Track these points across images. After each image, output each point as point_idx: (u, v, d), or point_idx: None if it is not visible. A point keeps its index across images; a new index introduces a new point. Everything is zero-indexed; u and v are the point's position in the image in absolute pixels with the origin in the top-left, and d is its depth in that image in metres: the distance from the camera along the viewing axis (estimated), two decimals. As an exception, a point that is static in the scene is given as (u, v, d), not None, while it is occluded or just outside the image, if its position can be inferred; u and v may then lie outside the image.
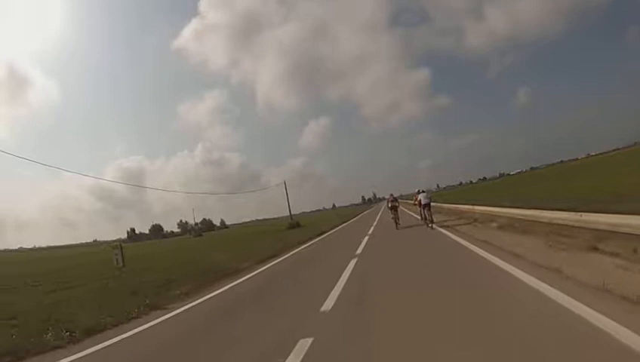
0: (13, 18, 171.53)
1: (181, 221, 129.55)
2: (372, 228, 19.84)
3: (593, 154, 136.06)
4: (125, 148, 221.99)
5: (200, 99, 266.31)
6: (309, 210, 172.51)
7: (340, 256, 10.39)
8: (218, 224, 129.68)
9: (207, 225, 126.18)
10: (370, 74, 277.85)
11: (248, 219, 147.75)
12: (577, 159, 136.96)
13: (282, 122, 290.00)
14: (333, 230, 25.98)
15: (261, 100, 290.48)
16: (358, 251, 11.14)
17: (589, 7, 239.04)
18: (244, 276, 9.99)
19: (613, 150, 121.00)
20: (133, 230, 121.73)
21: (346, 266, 8.37)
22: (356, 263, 8.82)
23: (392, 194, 20.27)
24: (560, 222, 7.90)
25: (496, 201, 16.86)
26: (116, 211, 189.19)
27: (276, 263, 12.10)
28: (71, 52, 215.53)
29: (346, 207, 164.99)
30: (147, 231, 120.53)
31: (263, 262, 12.59)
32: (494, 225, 11.46)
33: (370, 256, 10.11)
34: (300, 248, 16.19)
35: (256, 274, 10.22)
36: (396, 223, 17.24)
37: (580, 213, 7.13)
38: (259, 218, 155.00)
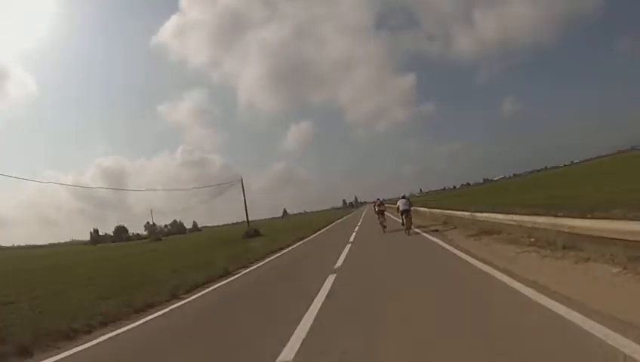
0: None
1: (148, 223, 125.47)
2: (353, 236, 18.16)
3: (576, 161, 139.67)
4: (104, 148, 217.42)
5: (180, 99, 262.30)
6: (291, 213, 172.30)
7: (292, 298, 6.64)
8: (190, 226, 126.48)
9: (177, 228, 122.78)
10: (354, 78, 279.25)
11: (230, 222, 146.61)
12: (559, 167, 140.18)
13: (265, 125, 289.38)
14: (297, 244, 19.61)
15: (243, 102, 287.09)
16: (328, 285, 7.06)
17: (580, 14, 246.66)
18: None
19: (596, 157, 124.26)
20: (96, 231, 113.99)
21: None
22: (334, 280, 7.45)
23: (378, 198, 20.37)
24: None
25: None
26: (97, 211, 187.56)
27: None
28: (48, 47, 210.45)
29: (327, 210, 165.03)
30: (111, 233, 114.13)
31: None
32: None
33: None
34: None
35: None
36: (383, 227, 17.25)
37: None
38: (239, 220, 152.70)
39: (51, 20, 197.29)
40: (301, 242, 20.45)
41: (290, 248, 17.54)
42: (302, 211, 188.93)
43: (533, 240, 7.97)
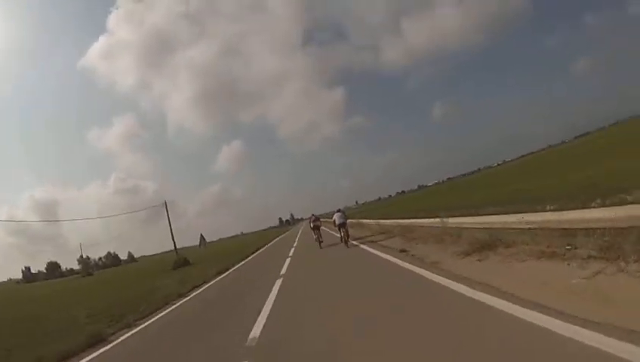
0: None
1: (82, 256, 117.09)
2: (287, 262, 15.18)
3: (509, 160, 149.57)
4: (35, 179, 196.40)
5: (109, 125, 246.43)
6: (226, 236, 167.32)
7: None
8: (125, 257, 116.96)
9: (111, 260, 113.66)
10: (284, 95, 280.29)
11: (168, 249, 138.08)
12: (491, 167, 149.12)
13: (195, 147, 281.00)
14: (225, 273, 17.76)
15: (173, 125, 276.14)
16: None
17: (505, 19, 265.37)
18: None
19: (524, 155, 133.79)
20: (28, 269, 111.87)
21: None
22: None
23: (313, 214, 20.48)
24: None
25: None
26: (31, 246, 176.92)
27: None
28: None
29: (264, 230, 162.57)
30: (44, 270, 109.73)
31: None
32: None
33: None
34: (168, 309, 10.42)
35: None
36: (319, 243, 17.41)
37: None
38: (179, 246, 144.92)
39: None
40: (228, 271, 18.35)
41: (211, 282, 15.15)
42: (239, 233, 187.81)
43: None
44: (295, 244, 26.68)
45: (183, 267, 28.24)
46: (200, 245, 48.10)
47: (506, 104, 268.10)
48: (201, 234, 51.25)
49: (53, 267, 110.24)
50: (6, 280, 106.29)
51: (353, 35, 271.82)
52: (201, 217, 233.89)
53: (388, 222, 18.76)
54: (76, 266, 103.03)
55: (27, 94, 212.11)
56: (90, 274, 64.31)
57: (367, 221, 23.81)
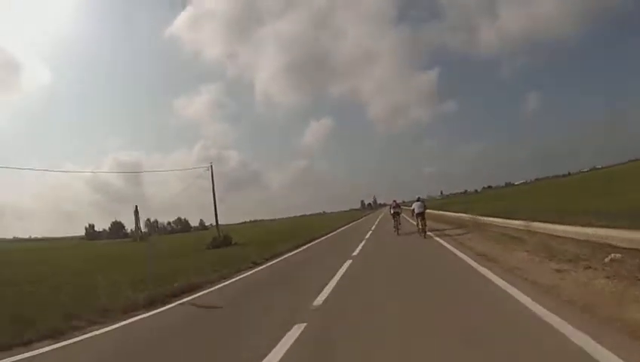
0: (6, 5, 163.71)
1: (148, 220, 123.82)
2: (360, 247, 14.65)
3: (599, 167, 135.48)
4: (120, 142, 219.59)
5: (195, 93, 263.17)
6: (309, 213, 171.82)
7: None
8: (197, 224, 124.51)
9: (182, 226, 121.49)
10: (375, 73, 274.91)
11: (244, 220, 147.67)
12: (581, 172, 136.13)
13: (282, 120, 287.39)
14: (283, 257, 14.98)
15: (260, 96, 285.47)
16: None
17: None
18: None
19: (616, 164, 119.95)
20: (92, 226, 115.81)
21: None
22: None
23: (394, 201, 20.63)
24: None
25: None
26: (112, 205, 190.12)
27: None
28: (62, 39, 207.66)
29: (346, 211, 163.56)
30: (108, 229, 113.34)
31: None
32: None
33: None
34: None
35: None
36: (397, 229, 17.84)
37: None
38: (257, 218, 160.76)
39: (65, 11, 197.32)
40: (293, 253, 16.17)
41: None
42: (321, 211, 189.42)
43: None
44: (373, 228, 26.69)
45: (220, 248, 23.75)
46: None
47: (607, 104, 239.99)
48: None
49: (117, 227, 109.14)
50: (70, 236, 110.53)
51: (449, 15, 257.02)
52: (283, 191, 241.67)
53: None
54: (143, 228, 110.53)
55: (115, 62, 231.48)
56: (142, 239, 59.36)
57: (457, 215, 22.47)
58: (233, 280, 10.05)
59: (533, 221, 10.39)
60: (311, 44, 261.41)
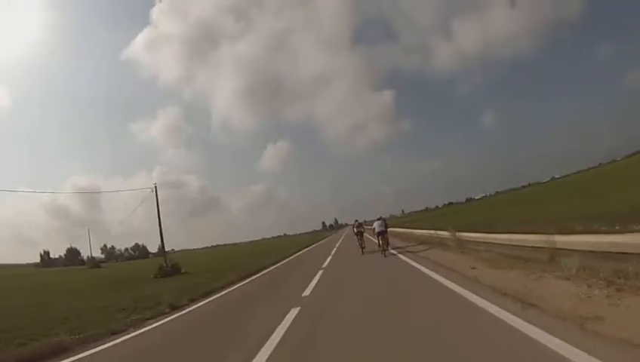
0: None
1: (105, 246, 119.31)
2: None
3: (557, 177, 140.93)
4: (78, 166, 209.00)
5: (152, 117, 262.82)
6: (270, 236, 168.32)
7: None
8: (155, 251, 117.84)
9: (140, 252, 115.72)
10: (331, 95, 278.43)
11: (206, 245, 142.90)
12: (541, 183, 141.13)
13: (240, 144, 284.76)
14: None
15: (217, 121, 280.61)
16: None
17: (560, 25, 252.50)
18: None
19: (576, 172, 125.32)
20: (47, 253, 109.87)
21: None
22: None
23: (357, 220, 20.84)
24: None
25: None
26: (71, 230, 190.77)
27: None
28: (18, 60, 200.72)
29: (307, 233, 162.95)
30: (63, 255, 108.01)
31: None
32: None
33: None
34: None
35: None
36: (362, 249, 17.87)
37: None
38: (221, 242, 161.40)
39: (22, 32, 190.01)
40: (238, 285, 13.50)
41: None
42: (282, 234, 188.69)
43: None
44: (334, 251, 25.04)
45: (167, 277, 20.83)
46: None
47: (557, 118, 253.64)
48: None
49: (73, 253, 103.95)
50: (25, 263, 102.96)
51: (402, 35, 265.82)
52: (244, 215, 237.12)
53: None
54: (99, 254, 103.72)
55: (71, 84, 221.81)
56: (98, 266, 59.08)
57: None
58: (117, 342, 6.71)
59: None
60: (267, 67, 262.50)
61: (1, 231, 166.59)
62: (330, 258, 18.47)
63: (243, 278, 15.09)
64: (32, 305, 13.00)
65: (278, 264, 21.28)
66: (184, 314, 8.98)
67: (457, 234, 13.34)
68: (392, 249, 15.70)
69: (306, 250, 34.20)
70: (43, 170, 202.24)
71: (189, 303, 10.30)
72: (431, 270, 8.88)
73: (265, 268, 18.96)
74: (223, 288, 12.84)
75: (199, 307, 9.75)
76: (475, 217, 27.18)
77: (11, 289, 23.72)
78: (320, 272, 12.67)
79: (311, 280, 10.55)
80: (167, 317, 8.72)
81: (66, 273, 49.93)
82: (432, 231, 17.62)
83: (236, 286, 13.09)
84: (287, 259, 24.47)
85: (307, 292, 8.80)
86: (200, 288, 12.62)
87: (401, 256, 13.44)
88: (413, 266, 10.33)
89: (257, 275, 16.14)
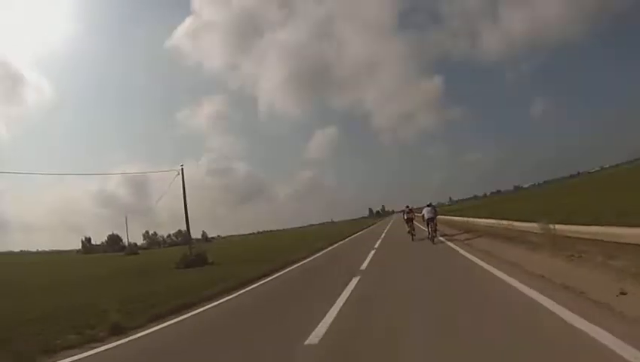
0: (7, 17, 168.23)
1: (147, 232, 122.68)
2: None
3: (606, 166, 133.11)
4: (125, 155, 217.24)
5: (198, 104, 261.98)
6: (317, 223, 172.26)
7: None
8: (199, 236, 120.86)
9: (183, 238, 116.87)
10: (378, 81, 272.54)
11: (256, 231, 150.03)
12: (590, 172, 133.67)
13: (287, 131, 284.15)
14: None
15: (263, 108, 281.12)
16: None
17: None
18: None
19: (627, 162, 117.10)
20: (88, 240, 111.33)
21: None
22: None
23: (407, 206, 20.18)
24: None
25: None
26: (118, 218, 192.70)
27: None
28: (63, 52, 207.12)
29: (354, 219, 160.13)
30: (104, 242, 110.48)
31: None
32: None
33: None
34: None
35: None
36: (412, 235, 17.42)
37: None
38: (268, 229, 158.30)
39: (65, 24, 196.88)
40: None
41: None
42: (329, 220, 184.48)
43: None
44: (383, 235, 25.05)
45: (189, 269, 18.95)
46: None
47: (612, 105, 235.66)
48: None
49: (114, 240, 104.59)
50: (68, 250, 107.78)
51: (450, 20, 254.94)
52: (291, 201, 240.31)
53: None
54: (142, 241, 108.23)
55: (116, 75, 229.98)
56: (134, 253, 58.68)
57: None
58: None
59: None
60: (313, 53, 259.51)
61: (51, 219, 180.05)
62: (373, 251, 15.32)
63: (277, 270, 13.31)
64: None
65: (315, 256, 18.15)
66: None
67: (555, 227, 9.29)
68: (452, 243, 13.74)
69: (351, 237, 32.54)
70: (90, 159, 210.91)
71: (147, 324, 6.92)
72: (541, 293, 5.16)
73: (300, 259, 16.37)
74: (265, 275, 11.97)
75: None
76: (537, 206, 24.80)
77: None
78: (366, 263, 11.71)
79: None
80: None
81: (94, 260, 50.04)
82: (504, 222, 14.43)
83: (271, 279, 11.58)
84: (332, 248, 23.57)
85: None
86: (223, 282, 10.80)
87: (469, 256, 10.15)
88: (502, 280, 6.55)
89: (295, 266, 14.40)
